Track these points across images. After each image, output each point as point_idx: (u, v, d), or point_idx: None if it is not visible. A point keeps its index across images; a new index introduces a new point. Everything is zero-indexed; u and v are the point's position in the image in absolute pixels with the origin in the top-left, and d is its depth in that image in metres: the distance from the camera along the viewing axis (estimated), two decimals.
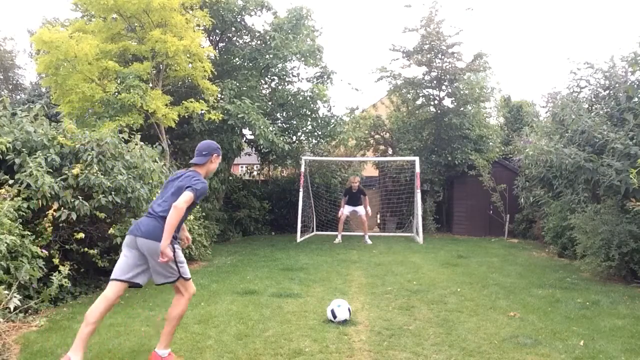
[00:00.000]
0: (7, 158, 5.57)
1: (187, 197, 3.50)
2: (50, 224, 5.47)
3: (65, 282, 5.14)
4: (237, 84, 11.02)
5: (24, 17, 45.29)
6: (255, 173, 16.25)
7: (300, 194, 12.42)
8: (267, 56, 11.44)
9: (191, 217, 8.18)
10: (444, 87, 14.19)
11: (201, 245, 8.73)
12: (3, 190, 5.15)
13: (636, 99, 6.95)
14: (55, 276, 5.00)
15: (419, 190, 12.25)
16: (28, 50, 25.69)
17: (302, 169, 12.72)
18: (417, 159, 12.56)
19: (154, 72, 9.56)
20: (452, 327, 4.64)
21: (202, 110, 9.90)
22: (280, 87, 13.00)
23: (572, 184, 7.78)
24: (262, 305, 5.44)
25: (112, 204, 6.04)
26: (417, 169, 12.35)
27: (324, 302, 5.59)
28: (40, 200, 5.40)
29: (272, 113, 12.28)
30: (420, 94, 14.66)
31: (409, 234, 13.09)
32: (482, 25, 50.97)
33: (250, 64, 11.76)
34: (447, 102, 14.40)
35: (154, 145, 8.13)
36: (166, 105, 9.05)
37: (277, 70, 12.24)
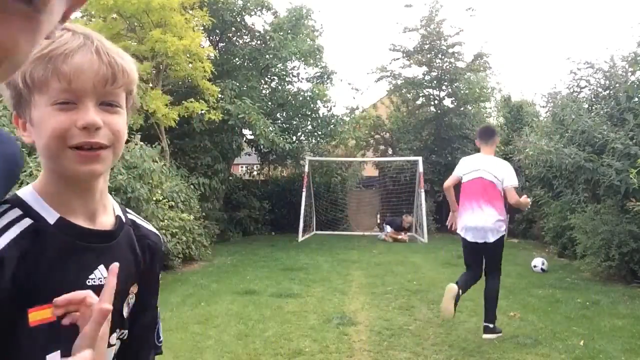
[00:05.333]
0: None
1: None
2: None
3: None
4: (237, 84, 11.02)
5: None
6: (255, 173, 16.24)
7: (304, 195, 12.42)
8: (267, 56, 11.44)
9: (191, 217, 8.18)
10: (444, 87, 14.20)
11: (201, 245, 8.72)
12: None
13: (636, 99, 6.95)
14: None
15: (422, 190, 12.25)
16: None
17: (306, 169, 12.72)
18: (420, 158, 12.55)
19: (154, 72, 9.55)
20: (452, 327, 4.64)
21: (202, 110, 9.90)
22: (280, 87, 13.00)
23: (572, 184, 7.77)
24: (262, 305, 5.44)
25: None
26: (420, 169, 12.35)
27: (324, 302, 5.60)
28: None
29: (272, 113, 12.27)
30: (420, 94, 14.67)
31: (411, 234, 13.09)
32: (483, 25, 50.94)
33: (250, 64, 11.76)
34: (447, 102, 14.42)
35: (154, 145, 8.13)
36: (166, 105, 9.04)
37: (277, 70, 12.23)
